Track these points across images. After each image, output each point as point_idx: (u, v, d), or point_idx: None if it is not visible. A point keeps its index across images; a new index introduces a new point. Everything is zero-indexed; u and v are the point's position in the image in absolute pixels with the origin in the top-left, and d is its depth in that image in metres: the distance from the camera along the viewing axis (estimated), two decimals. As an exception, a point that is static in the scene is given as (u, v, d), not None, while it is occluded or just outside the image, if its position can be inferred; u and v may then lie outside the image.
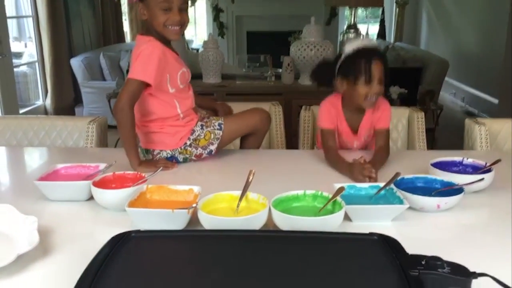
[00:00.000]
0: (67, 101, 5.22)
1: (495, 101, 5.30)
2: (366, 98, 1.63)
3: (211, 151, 1.63)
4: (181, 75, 1.59)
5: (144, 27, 1.61)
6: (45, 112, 5.13)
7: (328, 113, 1.72)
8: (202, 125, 1.64)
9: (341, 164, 1.52)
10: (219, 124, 1.65)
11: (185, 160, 1.61)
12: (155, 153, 1.60)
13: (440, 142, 4.47)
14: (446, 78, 5.50)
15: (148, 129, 1.60)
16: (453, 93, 6.40)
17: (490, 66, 5.44)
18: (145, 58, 1.50)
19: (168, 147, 1.60)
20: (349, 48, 1.66)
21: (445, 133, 4.64)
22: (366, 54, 1.62)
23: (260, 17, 7.82)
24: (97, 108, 5.04)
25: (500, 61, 5.20)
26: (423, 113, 1.99)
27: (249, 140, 1.78)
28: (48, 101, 5.11)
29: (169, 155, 1.60)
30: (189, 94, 1.66)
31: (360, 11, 7.41)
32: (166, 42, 1.59)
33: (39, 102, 5.19)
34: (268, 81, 3.50)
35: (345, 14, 8.04)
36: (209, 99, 1.83)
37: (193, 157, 1.61)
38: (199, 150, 1.61)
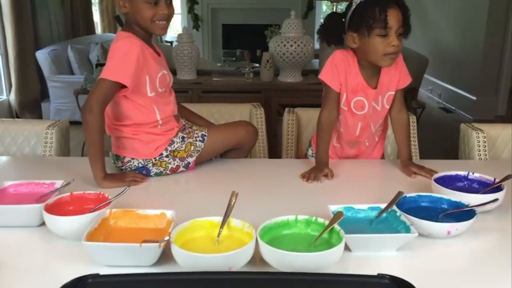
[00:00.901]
0: (32, 96, 4.94)
1: (473, 98, 5.26)
2: (384, 53, 1.40)
3: (188, 163, 1.46)
4: (161, 78, 1.42)
5: (126, 22, 1.42)
6: (9, 107, 4.85)
7: (334, 65, 1.49)
8: (183, 137, 1.47)
9: (321, 153, 1.49)
10: (202, 136, 1.50)
11: (158, 174, 1.43)
12: (125, 160, 1.42)
13: (421, 141, 4.38)
14: (425, 75, 5.44)
15: (121, 134, 1.42)
16: (429, 89, 6.36)
17: (468, 63, 5.41)
18: (121, 57, 1.33)
19: (140, 156, 1.41)
20: None
21: (424, 131, 4.55)
22: (379, 2, 1.37)
23: (236, 9, 7.65)
24: (64, 104, 4.78)
25: (478, 58, 5.17)
26: (414, 117, 1.85)
27: (232, 154, 1.60)
28: (12, 96, 4.82)
29: (140, 165, 1.41)
30: (169, 99, 1.48)
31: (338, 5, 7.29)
32: (147, 38, 1.41)
33: (3, 97, 4.90)
34: (246, 78, 3.33)
35: (323, 9, 7.93)
36: (206, 121, 1.66)
37: (168, 171, 1.43)
38: (176, 162, 1.44)
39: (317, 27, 7.40)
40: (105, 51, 5.15)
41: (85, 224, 0.95)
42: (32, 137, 1.66)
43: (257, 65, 3.61)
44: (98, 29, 6.88)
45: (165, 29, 1.39)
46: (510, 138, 1.71)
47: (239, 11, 7.66)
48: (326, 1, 7.36)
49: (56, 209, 1.02)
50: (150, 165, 1.42)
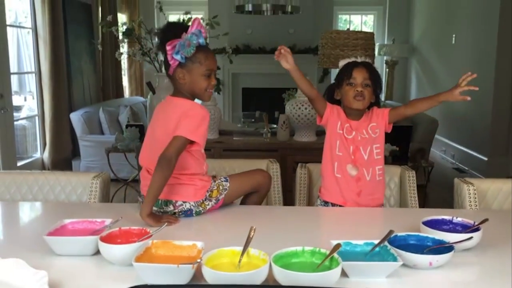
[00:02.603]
0: (64, 154, 5.29)
1: (484, 158, 5.42)
2: (353, 97, 1.90)
3: (218, 199, 1.73)
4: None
5: (176, 89, 1.74)
6: (42, 165, 5.18)
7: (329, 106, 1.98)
8: (213, 179, 1.77)
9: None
10: (225, 178, 1.79)
11: (198, 214, 1.69)
12: (177, 204, 1.66)
13: (432, 198, 4.54)
14: (437, 136, 5.65)
15: (178, 181, 1.68)
16: (443, 150, 6.54)
17: (478, 124, 5.59)
18: (198, 120, 1.64)
19: (192, 199, 1.68)
20: (340, 63, 2.00)
21: (436, 189, 4.72)
22: (350, 64, 1.95)
23: (255, 74, 8.04)
24: (94, 162, 5.10)
25: (488, 119, 5.35)
26: (414, 172, 2.08)
27: (251, 198, 1.88)
28: (46, 154, 5.17)
29: (189, 207, 1.67)
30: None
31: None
32: None
33: (37, 155, 5.25)
34: (264, 138, 3.60)
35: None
36: None
37: (206, 211, 1.70)
38: (212, 202, 1.71)
39: (332, 90, 7.69)
40: (134, 113, 5.53)
41: (133, 251, 1.18)
42: (79, 187, 1.92)
43: (275, 126, 3.88)
44: (126, 92, 7.35)
45: (210, 97, 1.74)
46: (499, 191, 1.91)
47: (259, 76, 8.07)
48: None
49: (108, 240, 1.25)
50: (195, 206, 1.68)
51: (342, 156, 1.93)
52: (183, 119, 1.63)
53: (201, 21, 1.66)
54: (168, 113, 1.69)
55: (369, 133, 1.94)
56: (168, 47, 1.63)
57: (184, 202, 1.67)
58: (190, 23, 1.65)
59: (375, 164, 1.94)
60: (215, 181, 1.75)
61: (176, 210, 1.66)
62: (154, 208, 1.63)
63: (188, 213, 1.67)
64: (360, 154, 1.93)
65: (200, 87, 1.68)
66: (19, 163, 4.78)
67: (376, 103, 1.99)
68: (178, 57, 1.62)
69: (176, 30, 1.65)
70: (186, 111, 1.65)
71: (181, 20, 2.98)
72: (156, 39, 1.85)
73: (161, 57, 3.80)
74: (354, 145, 1.93)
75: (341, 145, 1.94)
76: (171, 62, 1.65)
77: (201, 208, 1.69)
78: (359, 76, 1.91)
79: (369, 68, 1.94)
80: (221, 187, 1.75)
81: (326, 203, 1.95)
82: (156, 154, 1.60)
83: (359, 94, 1.89)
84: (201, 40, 1.63)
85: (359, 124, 1.95)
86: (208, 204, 1.70)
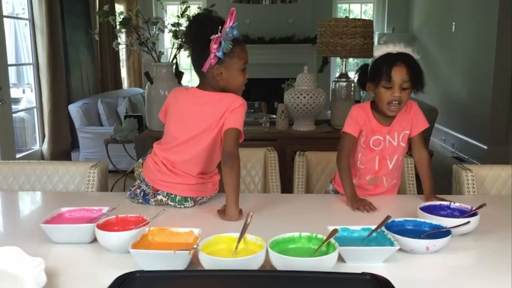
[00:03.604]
0: (63, 146, 5.29)
1: (484, 147, 5.42)
2: (387, 102, 1.67)
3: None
4: None
5: (205, 83, 1.65)
6: (42, 157, 5.18)
7: (353, 117, 1.78)
8: None
9: (348, 188, 1.70)
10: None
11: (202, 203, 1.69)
12: (198, 199, 1.66)
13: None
14: (436, 125, 5.64)
15: (201, 181, 1.66)
16: (443, 139, 6.54)
17: (478, 113, 5.59)
18: (244, 112, 1.62)
19: (210, 193, 1.70)
20: (377, 53, 1.73)
21: (435, 178, 4.70)
22: (389, 58, 1.67)
23: (254, 64, 7.97)
24: (93, 153, 5.11)
25: (488, 108, 5.35)
26: (412, 159, 2.07)
27: None
28: (45, 146, 5.17)
29: (205, 200, 1.69)
30: None
31: (351, 59, 7.65)
32: None
33: (36, 147, 5.25)
34: (263, 127, 3.59)
35: (337, 62, 8.30)
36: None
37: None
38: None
39: (331, 79, 7.73)
40: (132, 104, 5.53)
41: (129, 239, 1.18)
42: (77, 176, 1.92)
43: (274, 116, 3.88)
44: (125, 84, 7.33)
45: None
46: (497, 177, 1.91)
47: (258, 66, 8.03)
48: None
49: (105, 228, 1.25)
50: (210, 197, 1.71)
51: (363, 168, 1.82)
52: (230, 111, 1.58)
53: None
54: (208, 107, 1.61)
55: (399, 141, 1.78)
56: (214, 45, 1.53)
57: (202, 197, 1.67)
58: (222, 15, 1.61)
59: (396, 170, 1.84)
60: None
61: (196, 205, 1.66)
62: (171, 203, 1.63)
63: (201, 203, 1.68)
64: (385, 163, 1.80)
65: (238, 83, 1.63)
66: (18, 155, 4.78)
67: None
68: (220, 54, 1.55)
69: (214, 24, 1.55)
70: (231, 104, 1.59)
71: (179, 10, 2.96)
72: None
73: (159, 48, 3.78)
74: (381, 154, 1.79)
75: (365, 158, 1.80)
76: (212, 60, 1.56)
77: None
78: (397, 77, 1.64)
79: (409, 64, 1.66)
80: None
81: (337, 192, 1.90)
82: (192, 148, 1.60)
83: (395, 100, 1.66)
84: (236, 33, 1.57)
85: (390, 129, 1.77)
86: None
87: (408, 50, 1.71)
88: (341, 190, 1.82)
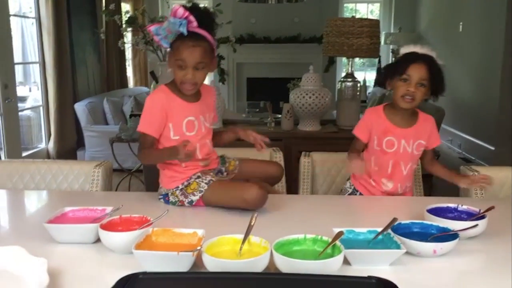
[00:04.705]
0: (69, 145, 5.30)
1: (491, 148, 5.38)
2: (402, 95, 1.72)
3: (191, 201, 1.62)
4: (187, 123, 1.66)
5: None
6: (47, 155, 5.19)
7: (363, 120, 1.85)
8: (199, 176, 1.66)
9: (353, 158, 1.76)
10: (209, 181, 1.64)
11: (173, 204, 1.65)
12: (160, 186, 1.71)
13: (438, 187, 4.51)
14: (443, 126, 5.60)
15: (159, 165, 1.72)
16: (449, 140, 6.50)
17: (485, 114, 5.55)
18: (147, 111, 1.64)
19: (164, 185, 1.69)
20: (402, 51, 1.78)
21: (443, 179, 4.68)
22: (410, 55, 1.73)
23: (260, 64, 8.01)
24: (99, 152, 5.11)
25: (495, 109, 5.31)
26: (419, 161, 2.05)
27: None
28: (51, 145, 5.18)
29: (164, 193, 1.68)
30: (196, 143, 1.67)
31: (357, 59, 7.62)
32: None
33: (42, 145, 5.26)
34: (268, 127, 3.58)
35: (343, 62, 8.27)
36: (229, 131, 1.91)
37: (178, 203, 1.64)
38: (182, 198, 1.64)
39: (337, 79, 7.72)
40: (137, 103, 5.53)
41: (133, 239, 1.17)
42: (81, 175, 1.91)
43: (279, 116, 3.86)
44: (131, 83, 7.34)
45: (190, 91, 1.64)
46: (506, 179, 1.89)
47: (263, 66, 8.04)
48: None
49: (108, 228, 1.24)
50: (170, 194, 1.66)
51: (377, 171, 1.83)
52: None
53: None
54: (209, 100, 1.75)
55: (413, 149, 1.80)
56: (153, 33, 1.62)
57: (161, 187, 1.70)
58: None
59: (411, 176, 1.87)
60: (199, 178, 1.65)
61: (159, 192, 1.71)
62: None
63: (166, 199, 1.67)
64: (399, 169, 1.81)
65: (176, 77, 1.63)
66: (24, 154, 4.80)
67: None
68: (162, 41, 1.61)
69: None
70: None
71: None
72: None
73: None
74: (395, 158, 1.80)
75: (378, 160, 1.82)
76: (160, 44, 1.64)
77: (176, 199, 1.64)
78: (415, 74, 1.69)
79: (430, 65, 1.71)
80: (197, 186, 1.62)
81: (355, 191, 1.90)
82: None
83: (409, 95, 1.70)
84: (182, 29, 1.54)
85: (405, 134, 1.79)
86: (180, 198, 1.64)
87: (433, 54, 1.75)
88: (358, 186, 1.87)
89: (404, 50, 1.77)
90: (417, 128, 1.80)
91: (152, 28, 1.61)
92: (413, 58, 1.72)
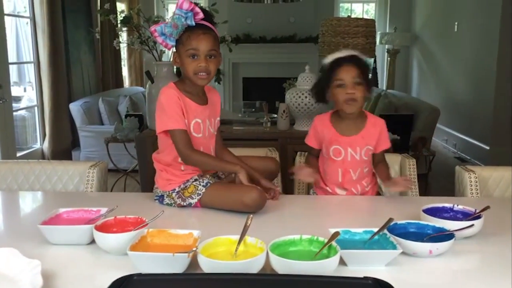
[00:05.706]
0: (64, 145, 5.27)
1: (486, 147, 5.39)
2: (343, 100, 1.73)
3: (189, 204, 1.61)
4: (194, 125, 1.65)
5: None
6: (42, 156, 5.17)
7: (313, 128, 1.88)
8: (196, 179, 1.65)
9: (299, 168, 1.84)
10: (206, 183, 1.62)
11: (169, 205, 1.64)
12: (155, 186, 1.68)
13: (433, 187, 4.52)
14: (438, 125, 5.62)
15: (156, 166, 1.70)
16: (445, 139, 6.52)
17: (480, 114, 5.57)
18: (168, 107, 1.61)
19: (160, 187, 1.66)
20: (326, 61, 1.80)
21: (438, 178, 4.70)
22: (335, 62, 1.76)
23: (256, 64, 8.01)
24: (94, 152, 5.09)
25: (490, 109, 5.33)
26: (414, 160, 2.05)
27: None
28: (46, 145, 5.16)
29: (160, 194, 1.66)
30: (201, 146, 1.67)
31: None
32: (194, 89, 1.67)
33: (37, 146, 5.24)
34: (264, 127, 3.58)
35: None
36: (234, 162, 1.75)
37: (175, 205, 1.63)
38: (179, 200, 1.62)
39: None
40: (133, 103, 5.52)
41: (128, 240, 1.17)
42: (76, 176, 1.90)
43: (275, 115, 3.86)
44: (126, 82, 7.32)
45: (204, 80, 1.62)
46: (501, 179, 1.89)
47: (259, 65, 8.03)
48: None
49: (103, 229, 1.23)
50: (165, 196, 1.65)
51: (329, 179, 1.85)
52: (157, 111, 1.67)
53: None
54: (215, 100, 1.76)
55: (361, 156, 1.80)
56: (156, 33, 1.60)
57: (157, 188, 1.68)
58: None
59: (365, 177, 1.85)
60: (197, 181, 1.63)
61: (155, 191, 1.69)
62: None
63: (160, 200, 1.66)
64: (349, 176, 1.81)
65: (187, 70, 1.61)
66: (19, 154, 4.77)
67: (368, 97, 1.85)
68: (166, 39, 1.60)
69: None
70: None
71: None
72: None
73: (160, 47, 3.76)
74: (343, 167, 1.81)
75: (328, 168, 1.84)
76: (162, 44, 1.62)
77: (172, 201, 1.63)
78: (347, 75, 1.71)
79: (357, 63, 1.75)
80: (195, 189, 1.61)
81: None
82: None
83: (350, 97, 1.71)
84: (189, 21, 1.56)
85: (351, 141, 1.79)
86: (177, 201, 1.62)
87: (355, 53, 1.80)
88: (319, 192, 1.89)
89: (328, 59, 1.80)
90: (364, 134, 1.80)
91: (157, 27, 1.59)
92: (339, 62, 1.75)
